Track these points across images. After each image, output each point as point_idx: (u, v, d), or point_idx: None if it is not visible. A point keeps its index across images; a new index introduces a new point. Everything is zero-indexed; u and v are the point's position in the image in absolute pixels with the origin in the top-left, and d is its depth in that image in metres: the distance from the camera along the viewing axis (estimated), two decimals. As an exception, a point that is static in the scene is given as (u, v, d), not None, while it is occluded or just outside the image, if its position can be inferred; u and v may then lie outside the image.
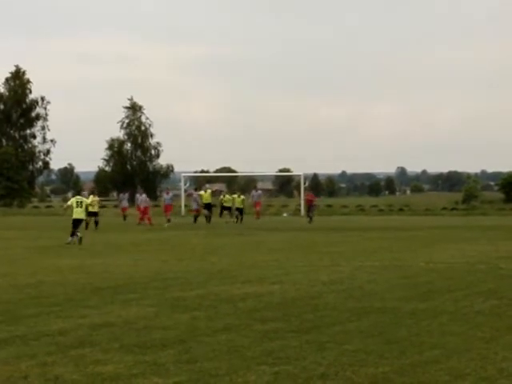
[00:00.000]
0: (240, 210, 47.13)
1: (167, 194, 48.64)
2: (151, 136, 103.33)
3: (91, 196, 38.53)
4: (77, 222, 28.97)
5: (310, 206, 48.72)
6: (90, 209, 36.33)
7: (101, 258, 22.10)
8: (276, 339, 9.91)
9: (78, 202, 29.55)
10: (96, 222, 39.39)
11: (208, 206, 46.36)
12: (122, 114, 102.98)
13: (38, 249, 25.79)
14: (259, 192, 55.12)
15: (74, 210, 29.36)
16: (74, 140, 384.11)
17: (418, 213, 62.74)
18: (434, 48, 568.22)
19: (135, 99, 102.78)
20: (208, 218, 45.66)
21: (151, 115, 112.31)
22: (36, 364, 8.61)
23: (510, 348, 9.38)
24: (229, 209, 48.83)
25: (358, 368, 8.37)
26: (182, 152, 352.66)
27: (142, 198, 45.20)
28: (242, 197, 48.88)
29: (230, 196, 50.01)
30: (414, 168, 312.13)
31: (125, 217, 48.78)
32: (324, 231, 37.09)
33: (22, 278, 16.87)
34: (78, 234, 28.57)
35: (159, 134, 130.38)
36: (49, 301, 13.37)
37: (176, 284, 15.81)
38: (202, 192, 47.26)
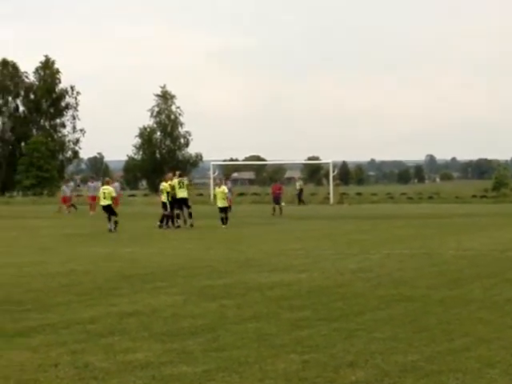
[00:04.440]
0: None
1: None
2: (181, 125, 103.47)
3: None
4: (180, 201, 30.56)
5: (276, 198, 43.59)
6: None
7: (130, 246, 22.21)
8: (305, 327, 9.89)
9: (180, 182, 30.99)
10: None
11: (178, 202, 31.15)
12: (149, 103, 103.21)
13: (69, 237, 25.97)
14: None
15: (177, 190, 30.73)
16: (103, 129, 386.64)
17: (447, 200, 62.30)
18: (459, 30, 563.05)
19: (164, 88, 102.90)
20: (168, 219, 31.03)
21: (180, 103, 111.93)
22: (66, 352, 8.67)
23: (541, 336, 9.30)
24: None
25: (387, 356, 8.34)
26: (211, 141, 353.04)
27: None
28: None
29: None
30: (443, 156, 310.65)
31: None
32: (353, 219, 36.96)
33: (53, 267, 17.00)
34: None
35: (188, 124, 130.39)
36: (79, 289, 13.46)
37: (204, 272, 15.84)
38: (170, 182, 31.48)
